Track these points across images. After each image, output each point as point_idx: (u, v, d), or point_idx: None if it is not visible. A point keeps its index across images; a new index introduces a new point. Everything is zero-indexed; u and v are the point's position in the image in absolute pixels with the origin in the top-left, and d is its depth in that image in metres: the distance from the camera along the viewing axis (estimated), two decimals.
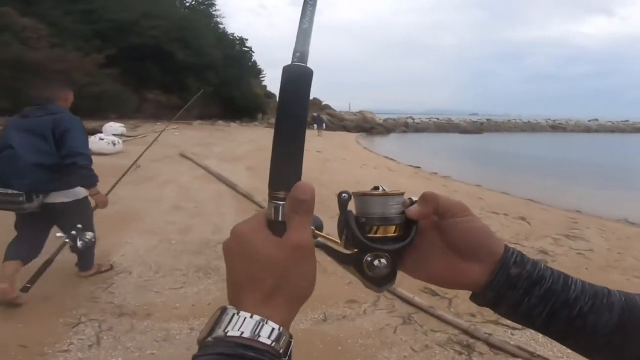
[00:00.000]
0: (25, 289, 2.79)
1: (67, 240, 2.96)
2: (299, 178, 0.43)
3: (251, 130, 27.17)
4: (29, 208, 2.87)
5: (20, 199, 2.80)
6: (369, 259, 0.44)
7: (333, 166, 12.73)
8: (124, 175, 4.00)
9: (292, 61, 0.43)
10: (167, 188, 7.40)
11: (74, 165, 2.93)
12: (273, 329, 0.37)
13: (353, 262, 0.45)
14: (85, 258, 3.39)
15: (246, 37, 39.21)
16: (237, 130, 26.54)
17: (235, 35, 38.89)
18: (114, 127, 15.32)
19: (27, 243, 3.02)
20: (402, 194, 0.48)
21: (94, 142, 10.54)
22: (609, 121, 69.03)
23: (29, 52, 19.80)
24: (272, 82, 46.31)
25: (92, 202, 3.29)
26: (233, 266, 0.41)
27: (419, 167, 15.18)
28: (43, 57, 20.06)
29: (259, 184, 7.72)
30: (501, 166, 18.40)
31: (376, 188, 0.48)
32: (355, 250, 0.45)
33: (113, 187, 3.70)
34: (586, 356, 0.44)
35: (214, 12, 37.68)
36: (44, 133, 2.90)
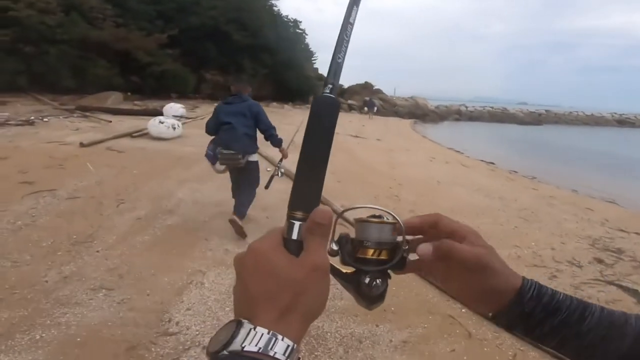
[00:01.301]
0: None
1: (280, 169, 4.80)
2: (318, 200, 0.45)
3: (304, 114, 26.74)
4: (241, 164, 4.36)
5: (239, 157, 4.30)
6: (367, 280, 0.48)
7: (400, 159, 12.14)
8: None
9: (323, 92, 0.47)
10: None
11: (270, 135, 4.51)
12: (288, 345, 0.38)
13: (352, 282, 0.48)
14: (245, 208, 4.52)
15: (300, 19, 38.70)
16: (291, 112, 26.28)
17: (289, 17, 38.45)
18: (174, 108, 15.30)
19: (235, 185, 4.66)
20: (395, 223, 0.50)
21: (154, 126, 10.53)
22: None
23: (94, 31, 20.16)
24: (322, 65, 45.79)
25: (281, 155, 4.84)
26: (248, 281, 0.42)
27: (493, 164, 14.25)
28: (107, 36, 20.40)
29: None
30: (588, 166, 16.00)
31: (376, 216, 0.51)
32: (352, 270, 0.49)
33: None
34: None
35: None
36: (245, 113, 4.37)
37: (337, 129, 0.47)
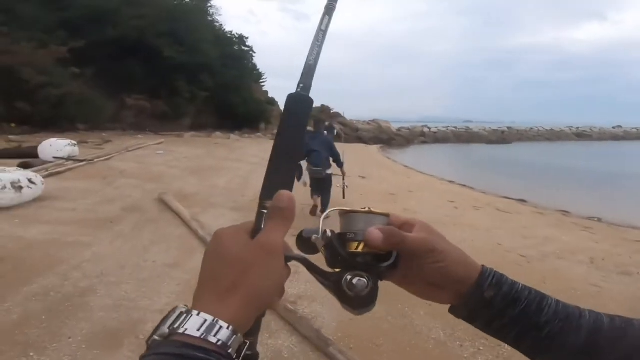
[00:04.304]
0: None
1: (345, 183, 7.06)
2: (291, 190, 0.45)
3: (257, 144, 21.92)
4: (323, 175, 6.41)
5: (323, 172, 6.39)
6: (348, 277, 0.42)
7: (416, 209, 8.04)
8: None
9: (296, 90, 0.48)
10: None
11: (337, 160, 6.73)
12: (221, 327, 0.36)
13: (333, 281, 0.43)
14: (327, 207, 6.28)
15: (246, 36, 33.98)
16: (240, 144, 21.32)
17: (233, 32, 33.65)
18: (56, 146, 9.96)
19: (317, 190, 6.55)
20: (387, 215, 0.48)
21: None
22: (634, 128, 65.12)
23: None
24: (273, 89, 41.37)
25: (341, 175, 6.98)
26: (203, 265, 0.41)
27: (524, 201, 10.42)
28: None
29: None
30: (591, 189, 14.19)
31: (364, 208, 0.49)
32: (338, 270, 0.44)
33: None
34: None
35: (209, 8, 32.39)
36: (325, 145, 6.54)
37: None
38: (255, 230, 0.42)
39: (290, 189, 0.44)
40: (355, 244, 0.44)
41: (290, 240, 0.45)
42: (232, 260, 0.39)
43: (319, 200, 6.53)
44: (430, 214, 7.62)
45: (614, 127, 63.84)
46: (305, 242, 0.47)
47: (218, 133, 25.05)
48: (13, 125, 15.75)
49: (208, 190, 8.11)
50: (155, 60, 22.92)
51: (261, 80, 38.16)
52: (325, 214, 0.49)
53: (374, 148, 28.26)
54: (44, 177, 7.05)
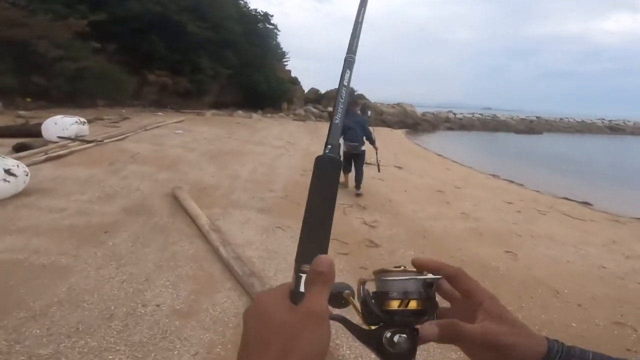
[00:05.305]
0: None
1: (378, 157, 7.75)
2: (326, 251, 0.45)
3: (279, 125, 21.03)
4: (359, 150, 7.12)
5: (359, 147, 7.09)
6: (388, 335, 0.43)
7: (476, 214, 6.87)
8: None
9: (324, 152, 0.49)
10: None
11: (369, 138, 7.21)
12: None
13: (375, 340, 0.44)
14: (361, 181, 7.23)
15: (271, 13, 32.68)
16: (262, 124, 20.42)
17: (258, 10, 32.41)
18: (62, 124, 9.19)
19: (349, 165, 7.17)
20: (421, 272, 0.48)
21: None
22: None
23: None
24: (293, 69, 39.94)
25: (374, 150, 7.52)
26: (246, 329, 0.42)
27: (589, 204, 9.24)
28: None
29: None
30: None
31: (397, 266, 0.49)
32: (375, 326, 0.45)
33: None
34: None
35: None
36: (359, 123, 7.16)
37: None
38: (294, 293, 0.42)
39: (326, 252, 0.44)
40: (395, 302, 0.44)
41: None
42: (280, 326, 0.39)
43: (348, 177, 7.34)
44: (495, 221, 6.55)
45: None
46: (334, 296, 0.45)
47: (240, 112, 24.21)
48: (29, 99, 15.13)
49: (229, 181, 7.24)
50: (179, 36, 22.07)
51: (284, 60, 37.07)
52: (363, 280, 0.49)
53: (400, 133, 27.09)
54: (41, 161, 6.27)
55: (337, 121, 0.51)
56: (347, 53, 0.56)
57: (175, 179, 6.84)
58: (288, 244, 4.58)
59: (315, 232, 0.45)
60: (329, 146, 0.49)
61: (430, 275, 0.48)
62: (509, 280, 4.19)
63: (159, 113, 18.82)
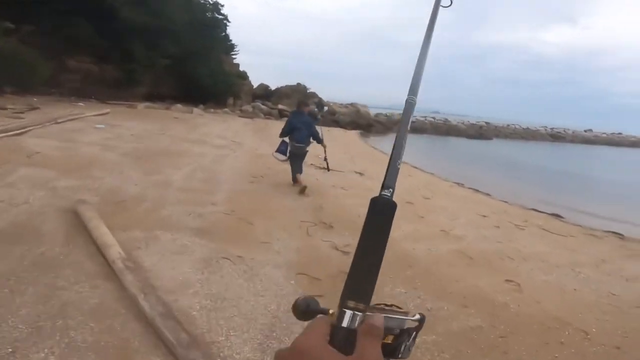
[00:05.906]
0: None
1: (325, 156, 8.34)
2: (371, 294, 0.45)
3: (223, 121, 19.12)
4: (303, 151, 7.11)
5: (305, 148, 7.11)
6: None
7: (456, 230, 5.86)
8: None
9: (380, 193, 0.49)
10: None
11: (316, 138, 7.24)
12: None
13: None
14: (301, 171, 7.25)
15: (221, 3, 30.31)
16: (203, 119, 18.46)
17: None
18: None
19: (297, 166, 7.12)
20: (406, 312, 0.49)
21: None
22: (603, 133, 65.36)
23: None
24: (242, 65, 37.81)
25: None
26: None
27: (559, 216, 8.40)
28: None
29: None
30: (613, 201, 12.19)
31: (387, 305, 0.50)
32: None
33: None
34: None
35: None
36: (306, 123, 7.11)
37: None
38: (336, 329, 0.42)
39: (372, 294, 0.44)
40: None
41: None
42: None
43: (301, 177, 7.09)
44: (478, 240, 5.51)
45: (585, 131, 63.77)
46: (307, 313, 0.47)
47: (178, 105, 21.91)
48: None
49: (158, 191, 5.52)
50: (109, 20, 19.43)
51: (233, 53, 34.85)
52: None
53: (354, 134, 25.83)
54: None
55: (398, 165, 0.51)
56: (408, 94, 0.56)
57: (83, 187, 5.14)
58: (241, 283, 3.20)
59: (364, 271, 0.45)
60: (389, 190, 0.49)
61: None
62: (526, 322, 3.38)
63: (80, 104, 16.29)
